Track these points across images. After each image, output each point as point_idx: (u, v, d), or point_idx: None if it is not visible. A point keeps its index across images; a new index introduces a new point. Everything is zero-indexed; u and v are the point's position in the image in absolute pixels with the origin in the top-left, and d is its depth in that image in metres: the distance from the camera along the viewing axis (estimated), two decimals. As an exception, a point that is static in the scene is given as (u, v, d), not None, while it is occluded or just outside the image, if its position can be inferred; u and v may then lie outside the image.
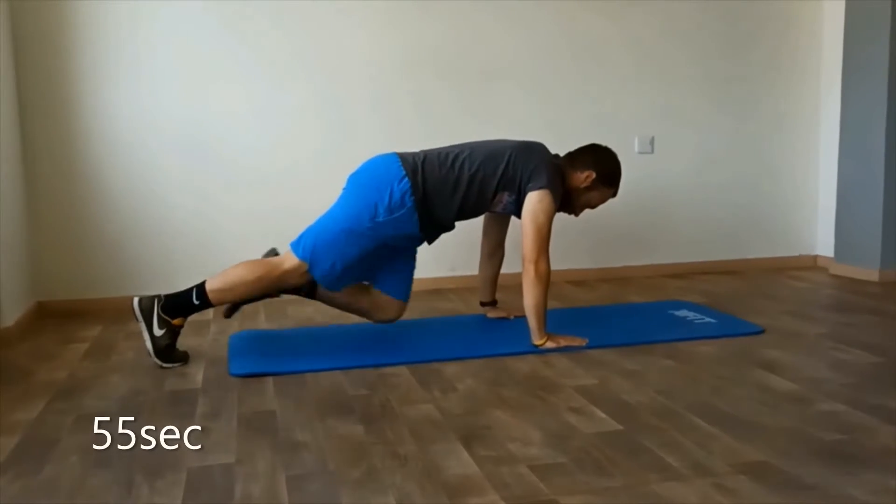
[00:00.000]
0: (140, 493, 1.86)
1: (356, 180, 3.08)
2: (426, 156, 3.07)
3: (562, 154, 3.24)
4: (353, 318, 3.48)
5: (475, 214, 3.20)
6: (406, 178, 2.97)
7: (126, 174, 3.92)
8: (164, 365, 2.90)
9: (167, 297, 2.94)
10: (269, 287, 3.02)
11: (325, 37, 4.08)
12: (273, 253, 3.19)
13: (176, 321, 2.93)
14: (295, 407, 2.45)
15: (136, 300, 2.93)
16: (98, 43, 3.83)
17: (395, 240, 3.04)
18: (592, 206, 3.28)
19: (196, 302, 2.93)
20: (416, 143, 3.63)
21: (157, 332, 2.89)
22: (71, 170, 3.86)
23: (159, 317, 2.90)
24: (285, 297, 3.66)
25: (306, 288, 3.16)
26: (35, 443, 2.20)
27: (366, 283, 3.21)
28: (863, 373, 2.69)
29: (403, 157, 3.05)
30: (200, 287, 2.94)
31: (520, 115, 4.30)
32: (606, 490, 1.82)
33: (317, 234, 2.98)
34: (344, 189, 3.10)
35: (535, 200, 3.01)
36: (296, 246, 2.98)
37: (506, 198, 3.10)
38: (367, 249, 3.00)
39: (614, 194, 3.27)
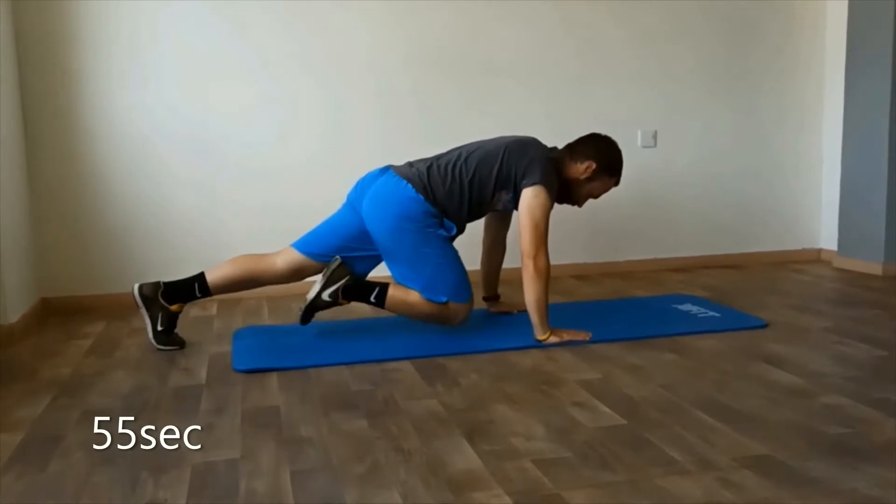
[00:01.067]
0: (145, 490, 1.86)
1: (388, 227, 3.08)
2: (428, 172, 3.09)
3: (561, 146, 3.23)
4: (357, 314, 3.49)
5: (480, 216, 3.24)
6: (429, 206, 3.05)
7: (129, 171, 3.92)
8: (161, 347, 3.05)
9: (167, 285, 3.09)
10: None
11: (328, 33, 4.07)
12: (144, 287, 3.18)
13: (174, 307, 3.08)
14: (299, 402, 2.45)
15: (136, 287, 3.08)
16: (101, 40, 3.82)
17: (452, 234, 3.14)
18: (595, 197, 3.27)
19: (198, 294, 3.11)
20: (418, 139, 3.65)
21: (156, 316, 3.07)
22: (74, 166, 3.86)
23: (160, 303, 3.06)
24: (288, 292, 3.69)
25: (376, 297, 3.12)
26: (39, 440, 2.20)
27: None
28: (867, 366, 2.69)
29: (410, 180, 3.07)
30: (200, 278, 3.11)
31: (522, 111, 4.29)
32: (610, 484, 1.82)
33: (441, 280, 3.07)
34: (377, 237, 3.11)
35: (530, 196, 3.02)
36: (433, 296, 3.07)
37: (504, 196, 3.11)
38: (448, 249, 3.11)
39: (616, 183, 3.26)
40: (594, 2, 4.37)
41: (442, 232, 3.08)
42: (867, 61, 4.29)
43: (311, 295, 3.05)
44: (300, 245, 3.19)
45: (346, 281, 3.06)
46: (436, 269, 3.06)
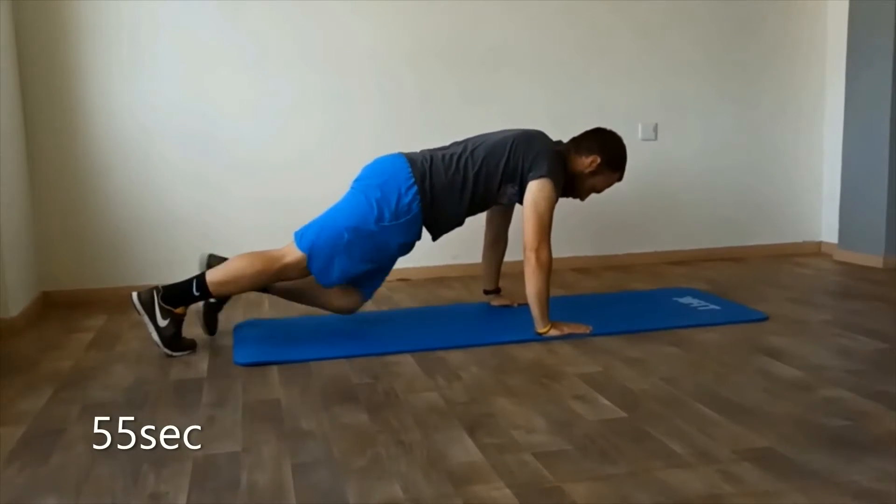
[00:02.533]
0: (146, 483, 1.86)
1: (364, 181, 3.05)
2: (432, 159, 3.06)
3: (565, 139, 3.23)
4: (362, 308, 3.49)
5: (484, 209, 3.22)
6: (414, 185, 2.96)
7: (129, 165, 3.92)
8: (174, 354, 2.91)
9: (165, 288, 2.94)
10: (270, 280, 3.00)
11: (328, 27, 4.07)
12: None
13: (178, 310, 2.93)
14: (300, 395, 2.46)
15: (135, 294, 2.92)
16: (101, 35, 3.82)
17: (395, 246, 3.02)
18: (598, 191, 3.27)
19: (196, 293, 2.93)
20: (420, 132, 3.64)
21: (162, 322, 2.89)
22: (75, 161, 3.86)
23: (161, 307, 2.90)
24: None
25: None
26: (41, 433, 2.20)
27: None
28: (867, 359, 2.69)
29: (412, 161, 3.03)
30: (200, 278, 2.93)
31: (523, 103, 4.29)
32: (611, 477, 1.83)
33: (320, 228, 2.97)
34: (351, 188, 3.09)
35: (535, 189, 3.01)
36: (299, 238, 2.97)
37: (510, 189, 3.10)
38: (369, 251, 2.98)
39: (620, 178, 3.26)
40: (595, -5, 4.37)
41: (393, 237, 2.97)
42: (868, 53, 4.28)
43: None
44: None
45: (159, 294, 2.90)
46: (339, 231, 2.93)
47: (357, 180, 3.08)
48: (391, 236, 2.98)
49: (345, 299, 3.18)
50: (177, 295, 2.93)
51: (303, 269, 2.97)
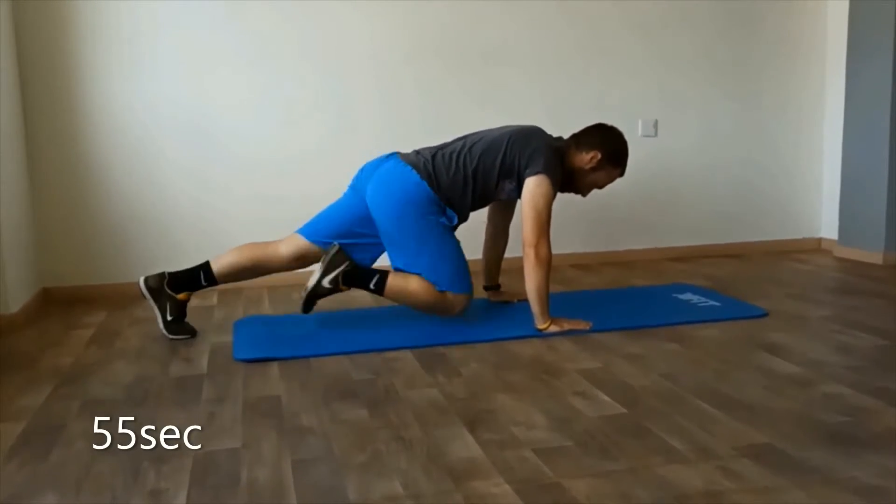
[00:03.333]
0: (146, 479, 1.86)
1: (392, 215, 3.07)
2: (433, 160, 3.09)
3: (566, 136, 3.23)
4: (358, 303, 3.50)
5: (483, 205, 3.23)
6: (434, 194, 3.04)
7: (129, 161, 3.92)
8: (172, 336, 3.06)
9: (171, 274, 3.11)
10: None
11: (327, 24, 4.06)
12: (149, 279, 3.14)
13: (181, 295, 3.09)
14: (300, 392, 2.46)
15: (142, 280, 3.08)
16: (101, 32, 3.82)
17: (452, 223, 3.14)
18: (600, 187, 3.27)
19: (204, 284, 3.13)
20: (419, 129, 3.64)
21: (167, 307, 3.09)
22: (75, 157, 3.86)
23: (167, 293, 3.08)
24: (289, 281, 3.69)
25: (375, 284, 3.09)
26: (41, 429, 2.20)
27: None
28: (867, 356, 2.69)
29: (416, 166, 3.07)
30: (206, 267, 3.13)
31: (523, 100, 4.29)
32: (611, 473, 1.83)
33: (441, 269, 3.07)
34: (380, 223, 3.10)
35: (533, 185, 3.02)
36: (442, 284, 3.07)
37: (507, 185, 3.11)
38: (450, 239, 3.12)
39: (621, 174, 3.26)
40: (595, -9, 4.36)
41: (444, 220, 3.07)
42: (868, 50, 4.28)
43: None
44: (305, 231, 3.19)
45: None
46: (436, 257, 3.06)
47: (373, 202, 3.09)
48: (446, 222, 3.11)
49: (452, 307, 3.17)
50: (182, 281, 3.11)
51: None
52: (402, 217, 3.05)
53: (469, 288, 3.11)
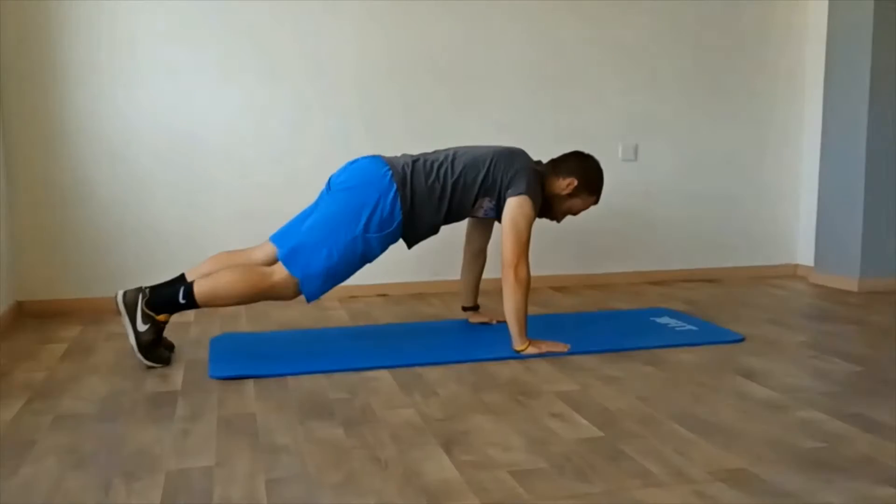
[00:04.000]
0: (117, 495, 1.84)
1: (344, 185, 3.04)
2: (413, 164, 3.06)
3: (546, 159, 3.25)
4: (335, 322, 3.48)
5: (458, 219, 3.19)
6: (396, 192, 2.96)
7: (107, 174, 3.89)
8: (146, 363, 2.87)
9: (152, 291, 2.89)
10: (258, 297, 2.94)
11: (315, 38, 4.07)
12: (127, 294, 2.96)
13: (161, 317, 2.90)
14: (275, 410, 2.44)
15: (120, 293, 2.88)
16: (82, 43, 3.80)
17: (376, 255, 3.02)
18: (574, 213, 3.28)
19: (182, 301, 2.87)
20: (405, 143, 3.64)
21: (141, 327, 2.86)
22: (52, 169, 3.83)
23: (143, 312, 2.86)
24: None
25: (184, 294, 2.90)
26: (11, 444, 2.17)
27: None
28: (842, 381, 2.71)
29: (392, 165, 3.03)
30: (188, 287, 2.87)
31: (505, 121, 4.31)
32: (587, 496, 1.82)
33: (312, 250, 2.91)
34: (329, 192, 3.07)
35: (514, 206, 3.02)
36: (288, 262, 2.91)
37: (486, 203, 3.10)
38: (355, 265, 2.99)
39: (596, 202, 3.28)
40: (576, 15, 4.39)
41: (376, 247, 2.97)
42: (845, 79, 4.34)
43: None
44: (277, 237, 3.14)
45: (144, 298, 2.86)
46: (328, 241, 2.92)
47: (336, 182, 3.06)
48: (374, 245, 2.97)
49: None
50: (162, 302, 2.88)
51: (292, 290, 2.93)
52: (348, 189, 2.99)
53: (315, 292, 2.93)
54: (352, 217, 2.94)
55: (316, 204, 3.15)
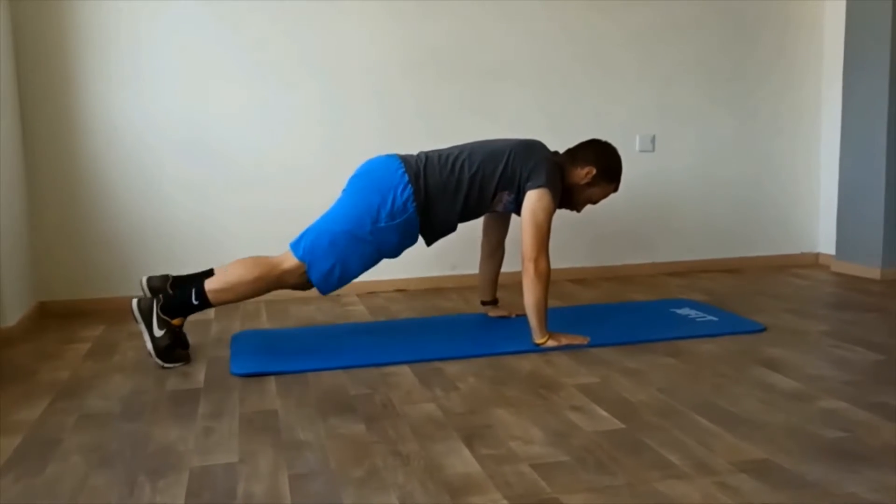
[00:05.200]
0: (142, 493, 1.86)
1: (357, 182, 3.06)
2: (427, 158, 3.06)
3: (562, 150, 3.24)
4: (355, 317, 3.49)
5: (477, 215, 3.19)
6: (409, 184, 2.96)
7: (127, 174, 3.93)
8: (166, 365, 2.90)
9: (165, 297, 2.93)
10: (269, 287, 2.98)
11: (326, 36, 4.08)
12: (152, 280, 3.08)
13: (175, 321, 2.93)
14: (297, 406, 2.45)
15: (134, 301, 2.92)
16: (99, 43, 3.83)
17: (394, 246, 3.03)
18: (594, 202, 3.27)
19: (195, 302, 2.91)
20: (417, 142, 3.63)
21: (158, 332, 2.89)
22: (72, 170, 3.86)
23: (159, 317, 2.89)
24: (287, 296, 3.69)
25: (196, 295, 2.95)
26: (37, 443, 2.20)
27: None
28: (864, 370, 2.69)
29: (406, 161, 3.03)
30: (199, 287, 2.92)
31: (520, 114, 4.30)
32: (608, 488, 1.82)
33: (317, 234, 2.97)
34: (344, 190, 3.09)
35: (534, 199, 3.01)
36: (295, 246, 2.97)
37: (506, 197, 3.10)
38: (367, 255, 3.00)
39: (616, 189, 3.26)
40: (593, 6, 4.37)
41: (391, 237, 2.97)
42: (865, 65, 4.30)
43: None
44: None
45: (158, 304, 2.90)
46: (336, 235, 2.93)
47: (350, 181, 3.09)
48: (388, 236, 2.97)
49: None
50: (175, 306, 2.93)
51: (300, 276, 2.97)
52: (361, 184, 3.00)
53: (305, 258, 2.93)
54: (363, 208, 2.96)
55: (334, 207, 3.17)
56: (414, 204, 2.96)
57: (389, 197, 2.95)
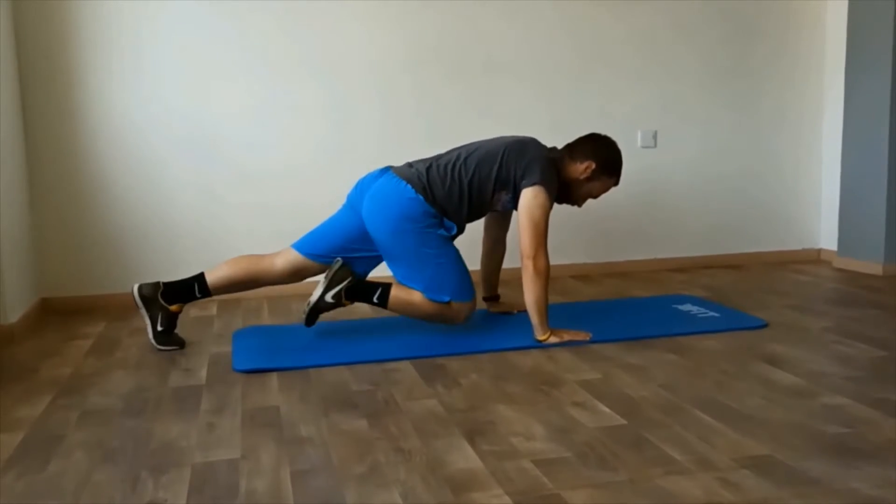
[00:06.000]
0: (145, 489, 1.86)
1: (388, 230, 3.08)
2: (427, 173, 3.09)
3: (561, 146, 3.23)
4: (357, 314, 3.49)
5: (480, 216, 3.23)
6: (424, 202, 3.03)
7: (129, 171, 3.93)
8: (161, 347, 3.05)
9: (166, 286, 3.10)
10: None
11: (328, 34, 4.08)
12: (143, 288, 3.15)
13: (173, 307, 3.08)
14: (299, 402, 2.45)
15: (135, 287, 3.08)
16: (101, 41, 3.83)
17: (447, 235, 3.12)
18: (595, 196, 3.27)
19: (198, 295, 3.12)
20: (419, 139, 3.65)
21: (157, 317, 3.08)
22: (74, 166, 3.86)
23: (160, 304, 3.07)
24: (288, 292, 3.69)
25: (378, 297, 3.12)
26: (40, 439, 2.20)
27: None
28: (866, 366, 2.69)
29: (410, 180, 3.06)
30: (200, 278, 3.11)
31: (522, 111, 4.29)
32: (610, 484, 1.82)
33: (443, 280, 3.06)
34: (373, 233, 3.11)
35: (529, 197, 3.02)
36: (434, 296, 3.06)
37: (503, 196, 3.11)
38: (449, 249, 3.11)
39: (616, 183, 3.26)
40: (594, 1, 4.37)
41: (442, 232, 3.07)
42: (867, 61, 4.29)
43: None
44: (300, 246, 3.19)
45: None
46: (437, 268, 3.06)
47: (368, 215, 3.10)
48: (442, 230, 3.10)
49: (455, 314, 3.16)
50: (177, 292, 3.10)
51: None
52: (400, 233, 3.05)
53: (472, 295, 3.12)
54: (420, 246, 3.06)
55: (338, 216, 3.24)
56: (432, 210, 3.06)
57: (413, 221, 3.04)
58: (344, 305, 3.10)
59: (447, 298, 3.06)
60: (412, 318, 3.16)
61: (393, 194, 3.06)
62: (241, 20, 3.97)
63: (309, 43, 4.06)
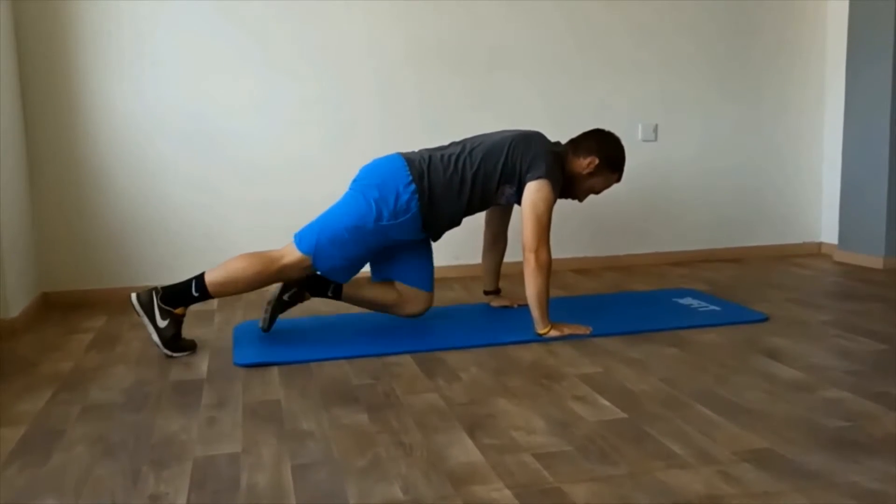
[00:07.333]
0: (146, 483, 1.86)
1: (362, 180, 3.06)
2: (430, 158, 3.06)
3: (565, 141, 3.23)
4: (358, 308, 3.49)
5: (482, 209, 3.21)
6: (412, 184, 2.97)
7: (129, 166, 3.92)
8: (174, 355, 2.91)
9: (164, 289, 2.94)
10: (269, 280, 3.00)
11: (329, 29, 4.07)
12: (141, 296, 3.05)
13: (178, 310, 2.94)
14: (300, 396, 2.46)
15: (134, 296, 2.93)
16: (101, 37, 3.82)
17: (397, 241, 3.07)
18: (597, 192, 3.27)
19: (195, 294, 2.92)
20: (420, 133, 3.64)
21: (161, 323, 2.89)
22: (75, 161, 3.86)
23: (161, 308, 2.90)
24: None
25: (332, 290, 3.19)
26: (41, 434, 2.20)
27: (390, 279, 3.22)
28: (867, 360, 2.69)
29: (409, 161, 3.03)
30: (200, 279, 2.93)
31: (524, 105, 4.29)
32: (611, 478, 1.83)
33: (321, 229, 2.98)
34: (349, 189, 3.09)
35: (533, 190, 3.01)
36: (299, 241, 2.98)
37: (507, 190, 3.10)
38: (372, 246, 3.03)
39: (618, 179, 3.26)
40: (595, -5, 4.37)
41: (395, 234, 3.01)
42: (868, 55, 4.28)
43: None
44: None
45: (158, 295, 2.92)
46: (339, 231, 2.96)
47: (355, 181, 3.09)
48: (393, 233, 3.00)
49: (407, 300, 3.21)
50: (176, 296, 2.93)
51: (303, 269, 3.00)
52: (359, 191, 3.01)
53: (311, 251, 2.96)
54: (365, 206, 2.96)
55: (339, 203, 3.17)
56: (417, 204, 2.97)
57: (392, 196, 2.96)
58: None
59: (305, 249, 2.94)
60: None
61: (389, 165, 3.05)
62: (241, 16, 3.96)
63: (310, 38, 4.06)
